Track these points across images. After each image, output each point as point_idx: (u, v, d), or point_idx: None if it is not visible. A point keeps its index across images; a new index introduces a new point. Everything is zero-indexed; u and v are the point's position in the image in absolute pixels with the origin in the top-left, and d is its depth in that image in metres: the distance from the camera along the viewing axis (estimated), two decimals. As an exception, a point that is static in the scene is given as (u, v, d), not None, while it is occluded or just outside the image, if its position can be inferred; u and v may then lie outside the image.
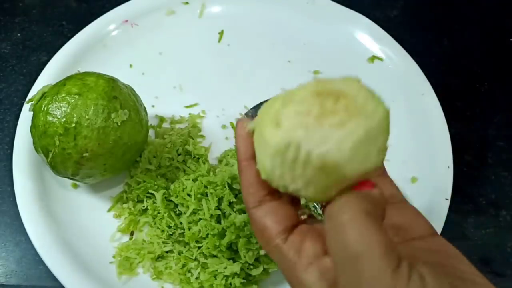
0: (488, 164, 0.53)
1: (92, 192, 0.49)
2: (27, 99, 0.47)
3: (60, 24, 0.60)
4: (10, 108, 0.55)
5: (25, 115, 0.50)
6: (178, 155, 0.49)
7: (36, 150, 0.44)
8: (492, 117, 0.56)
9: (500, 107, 0.57)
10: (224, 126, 0.53)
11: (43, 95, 0.44)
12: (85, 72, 0.46)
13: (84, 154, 0.42)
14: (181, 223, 0.45)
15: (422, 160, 0.51)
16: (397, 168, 0.50)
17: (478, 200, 0.51)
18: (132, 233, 0.47)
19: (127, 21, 0.58)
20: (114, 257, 0.46)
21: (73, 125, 0.41)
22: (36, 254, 0.45)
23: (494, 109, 0.57)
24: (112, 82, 0.44)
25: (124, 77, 0.48)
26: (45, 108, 0.42)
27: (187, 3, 0.60)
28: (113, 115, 0.42)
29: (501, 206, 0.51)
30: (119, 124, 0.43)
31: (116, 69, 0.53)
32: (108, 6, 0.58)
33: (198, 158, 0.50)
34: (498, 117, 0.56)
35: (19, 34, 0.60)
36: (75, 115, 0.41)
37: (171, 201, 0.46)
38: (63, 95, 0.42)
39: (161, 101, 0.54)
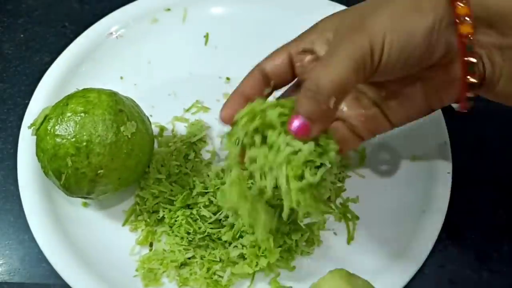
0: (486, 163, 0.53)
1: (103, 208, 0.49)
2: (29, 124, 0.46)
3: (63, 25, 0.61)
4: (13, 108, 0.55)
5: (26, 139, 0.50)
6: (186, 162, 0.50)
7: (47, 174, 0.44)
8: (490, 117, 0.55)
9: (499, 107, 0.56)
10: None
11: (45, 118, 0.44)
12: (84, 89, 0.45)
13: (99, 171, 0.42)
14: (199, 228, 0.46)
15: (419, 139, 0.53)
16: (396, 150, 0.53)
17: (475, 198, 0.51)
18: (151, 244, 0.47)
19: (111, 34, 0.58)
20: (137, 270, 0.46)
21: (84, 143, 0.41)
22: (39, 252, 0.45)
23: (493, 109, 0.53)
24: (114, 95, 0.44)
25: (116, 89, 0.47)
26: (52, 131, 0.42)
27: (169, 9, 0.60)
28: (122, 128, 0.42)
29: (498, 204, 0.51)
30: (129, 136, 0.43)
31: (108, 83, 0.53)
32: (110, 7, 0.59)
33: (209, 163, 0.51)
34: (496, 117, 0.55)
35: (22, 35, 0.60)
36: (85, 134, 0.41)
37: (188, 206, 0.47)
38: (69, 114, 0.42)
39: (158, 110, 0.54)
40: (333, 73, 0.33)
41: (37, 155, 0.44)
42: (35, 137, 0.45)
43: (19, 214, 0.47)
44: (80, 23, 0.58)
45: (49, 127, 0.42)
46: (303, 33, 0.41)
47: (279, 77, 0.40)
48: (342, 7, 0.59)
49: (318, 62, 0.36)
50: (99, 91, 0.44)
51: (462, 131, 0.53)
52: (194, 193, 0.47)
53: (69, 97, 0.44)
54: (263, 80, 0.40)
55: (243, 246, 0.45)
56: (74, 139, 0.41)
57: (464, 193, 0.50)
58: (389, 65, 0.35)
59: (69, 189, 0.43)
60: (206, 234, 0.46)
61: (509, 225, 0.50)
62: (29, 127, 0.45)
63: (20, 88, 0.56)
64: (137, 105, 0.47)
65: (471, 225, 0.50)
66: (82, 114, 0.42)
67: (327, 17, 0.40)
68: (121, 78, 0.56)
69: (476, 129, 0.55)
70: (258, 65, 0.41)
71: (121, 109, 0.43)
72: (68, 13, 0.62)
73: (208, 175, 0.49)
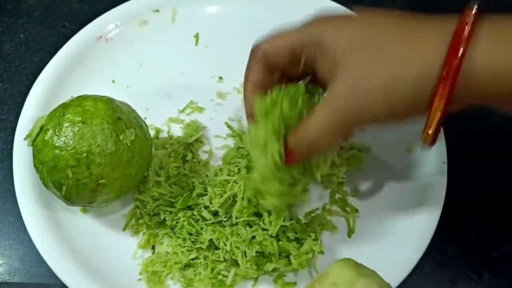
0: (486, 163, 0.54)
1: (103, 214, 0.49)
2: (22, 137, 0.46)
3: (63, 25, 0.61)
4: (13, 108, 0.55)
5: (21, 148, 0.49)
6: (184, 163, 0.50)
7: (46, 185, 0.43)
8: (490, 117, 0.56)
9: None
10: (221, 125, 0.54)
11: (41, 129, 0.43)
12: (79, 97, 0.45)
13: (101, 181, 0.41)
14: (201, 228, 0.46)
15: (413, 131, 0.53)
16: (390, 142, 0.53)
17: (475, 199, 0.52)
18: (153, 247, 0.47)
19: (101, 37, 0.57)
20: (141, 273, 0.46)
21: (84, 154, 0.41)
22: (39, 252, 0.46)
23: (492, 109, 0.55)
24: (110, 103, 0.44)
25: (109, 93, 0.47)
26: (50, 142, 0.42)
27: (157, 10, 0.59)
28: (121, 137, 0.42)
29: (498, 204, 0.51)
30: (129, 144, 0.43)
31: (100, 87, 0.53)
32: (110, 7, 0.58)
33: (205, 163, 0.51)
34: (495, 116, 0.56)
35: (22, 35, 0.61)
36: (84, 144, 0.41)
37: (189, 207, 0.47)
38: (66, 125, 0.42)
39: (152, 112, 0.53)
40: (318, 139, 0.38)
41: (35, 166, 0.44)
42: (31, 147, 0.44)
43: (19, 214, 0.47)
44: (80, 23, 0.58)
45: (46, 138, 0.42)
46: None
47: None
48: (335, 4, 0.59)
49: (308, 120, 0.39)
50: (95, 99, 0.44)
51: (462, 131, 0.54)
52: (194, 194, 0.48)
53: (65, 106, 0.44)
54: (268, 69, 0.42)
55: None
56: (73, 150, 0.41)
57: (464, 193, 0.51)
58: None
59: (70, 199, 0.43)
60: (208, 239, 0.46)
61: (509, 225, 0.50)
62: (25, 138, 0.44)
63: (20, 88, 0.57)
64: (133, 110, 0.47)
65: (471, 225, 0.50)
66: (80, 124, 0.41)
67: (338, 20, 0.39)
68: (113, 81, 0.56)
69: (476, 129, 0.55)
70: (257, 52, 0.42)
71: (119, 116, 0.43)
72: (68, 13, 0.62)
73: (207, 175, 0.50)
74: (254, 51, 0.42)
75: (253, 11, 0.60)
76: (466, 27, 0.33)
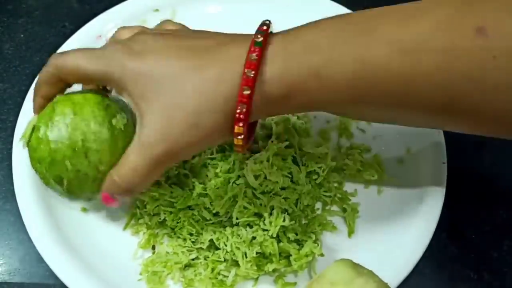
0: (485, 162, 0.54)
1: (103, 213, 0.49)
2: (19, 138, 0.45)
3: (63, 25, 0.61)
4: (13, 108, 0.55)
5: (19, 150, 0.48)
6: (184, 163, 0.50)
7: (47, 184, 0.43)
8: None
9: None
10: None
11: (34, 128, 0.43)
12: (67, 93, 0.44)
13: (100, 168, 0.41)
14: (202, 228, 0.46)
15: (412, 131, 0.53)
16: (391, 143, 0.53)
17: (474, 198, 0.52)
18: (153, 247, 0.47)
19: (100, 36, 0.57)
20: (141, 273, 0.46)
21: (80, 143, 0.40)
22: (39, 252, 0.45)
23: None
24: (99, 92, 0.44)
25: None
26: (44, 137, 0.41)
27: (157, 10, 0.59)
28: (114, 122, 0.42)
29: (497, 204, 0.52)
30: (122, 128, 0.42)
31: (99, 87, 0.53)
32: (110, 7, 0.59)
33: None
34: None
35: (22, 35, 0.61)
36: (78, 133, 0.41)
37: (189, 207, 0.47)
38: (58, 118, 0.41)
39: (153, 112, 0.53)
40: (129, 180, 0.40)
41: (33, 167, 0.43)
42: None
43: (19, 214, 0.47)
44: (80, 23, 0.58)
45: (40, 135, 0.41)
46: None
47: None
48: (335, 4, 0.59)
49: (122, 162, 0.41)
50: (83, 91, 0.44)
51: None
52: (194, 194, 0.47)
53: (54, 103, 0.43)
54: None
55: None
56: (68, 141, 0.40)
57: (463, 193, 0.51)
58: None
59: (73, 193, 0.42)
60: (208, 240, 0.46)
61: (509, 225, 0.50)
62: (20, 140, 0.44)
63: (20, 88, 0.57)
64: (122, 100, 0.46)
65: (471, 225, 0.50)
66: (72, 115, 0.41)
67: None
68: (113, 81, 0.56)
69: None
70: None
71: (108, 104, 0.43)
72: (68, 13, 0.62)
73: (207, 175, 0.49)
74: (50, 65, 0.42)
75: (253, 11, 0.60)
76: (253, 49, 0.35)
